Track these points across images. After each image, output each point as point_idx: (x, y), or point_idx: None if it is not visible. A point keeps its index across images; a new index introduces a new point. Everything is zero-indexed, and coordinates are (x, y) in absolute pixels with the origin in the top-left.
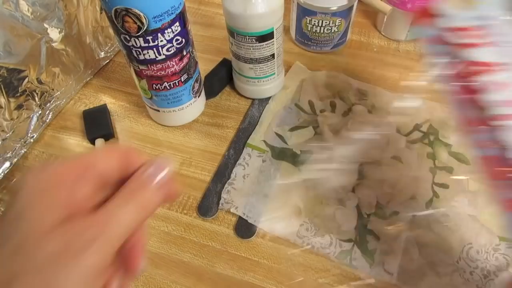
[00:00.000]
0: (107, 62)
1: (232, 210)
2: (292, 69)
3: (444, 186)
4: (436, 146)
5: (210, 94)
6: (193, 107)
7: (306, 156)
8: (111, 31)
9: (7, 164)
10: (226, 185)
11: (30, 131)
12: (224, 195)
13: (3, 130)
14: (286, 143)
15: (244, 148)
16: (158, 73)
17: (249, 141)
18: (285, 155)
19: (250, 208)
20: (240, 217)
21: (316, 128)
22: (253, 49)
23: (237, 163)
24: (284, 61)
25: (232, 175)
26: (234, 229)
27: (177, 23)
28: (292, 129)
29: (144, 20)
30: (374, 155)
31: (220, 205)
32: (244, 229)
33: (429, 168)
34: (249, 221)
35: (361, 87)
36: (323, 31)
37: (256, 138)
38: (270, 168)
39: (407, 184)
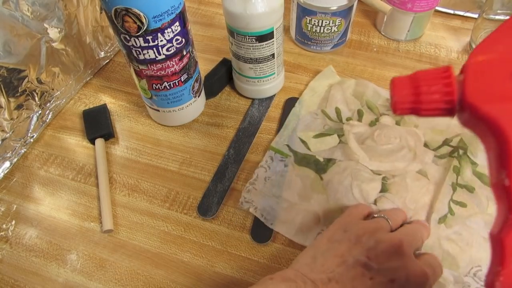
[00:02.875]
0: (107, 62)
1: (251, 210)
2: (323, 72)
3: (461, 204)
4: (463, 161)
5: (210, 94)
6: (193, 107)
7: (329, 164)
8: (111, 31)
9: (7, 164)
10: (247, 184)
11: (30, 131)
12: (244, 194)
13: (3, 130)
14: (309, 149)
15: (267, 151)
16: (158, 73)
17: (272, 144)
18: (308, 162)
19: (269, 211)
20: (255, 221)
21: (341, 137)
22: (253, 49)
23: (259, 164)
24: (284, 61)
25: (254, 176)
26: (250, 234)
27: (177, 23)
28: (316, 136)
29: (144, 20)
30: (399, 169)
31: (240, 203)
32: (261, 233)
33: (451, 183)
34: (266, 223)
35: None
36: (323, 31)
37: (280, 141)
38: (291, 174)
39: (431, 200)
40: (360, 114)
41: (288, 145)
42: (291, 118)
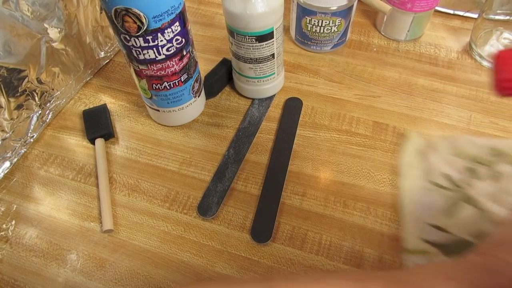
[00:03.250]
0: (107, 62)
1: None
2: (408, 140)
3: None
4: None
5: (210, 94)
6: (193, 107)
7: (485, 241)
8: (111, 31)
9: (7, 164)
10: None
11: (30, 131)
12: None
13: (3, 130)
14: (450, 232)
15: (404, 257)
16: (158, 73)
17: (406, 247)
18: (459, 248)
19: None
20: (255, 220)
21: (471, 202)
22: (253, 49)
23: None
24: (284, 61)
25: None
26: (250, 234)
27: (177, 23)
28: (446, 214)
29: (144, 20)
30: None
31: None
32: (261, 233)
33: None
34: None
35: (491, 144)
36: (323, 31)
37: (411, 239)
38: None
39: None
40: (472, 171)
41: (423, 239)
42: (405, 206)
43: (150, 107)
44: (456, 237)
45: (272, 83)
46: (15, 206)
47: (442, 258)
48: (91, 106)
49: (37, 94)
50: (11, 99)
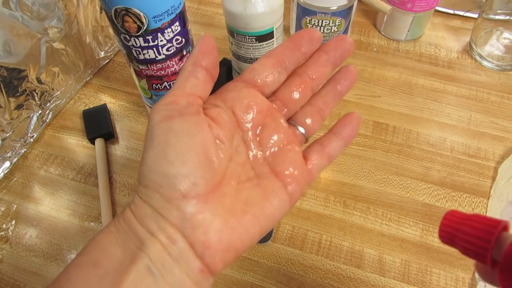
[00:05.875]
0: (107, 62)
1: None
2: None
3: None
4: None
5: (210, 94)
6: None
7: None
8: (111, 30)
9: (7, 163)
10: None
11: (30, 131)
12: None
13: (3, 130)
14: None
15: None
16: (158, 73)
17: None
18: None
19: None
20: None
21: None
22: (253, 49)
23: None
24: None
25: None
26: None
27: (177, 23)
28: None
29: (144, 20)
30: None
31: None
32: None
33: None
34: None
35: None
36: (323, 30)
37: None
38: None
39: None
40: None
41: None
42: (495, 202)
43: (150, 107)
44: None
45: None
46: (15, 206)
47: None
48: (91, 106)
49: (37, 94)
50: (11, 99)
